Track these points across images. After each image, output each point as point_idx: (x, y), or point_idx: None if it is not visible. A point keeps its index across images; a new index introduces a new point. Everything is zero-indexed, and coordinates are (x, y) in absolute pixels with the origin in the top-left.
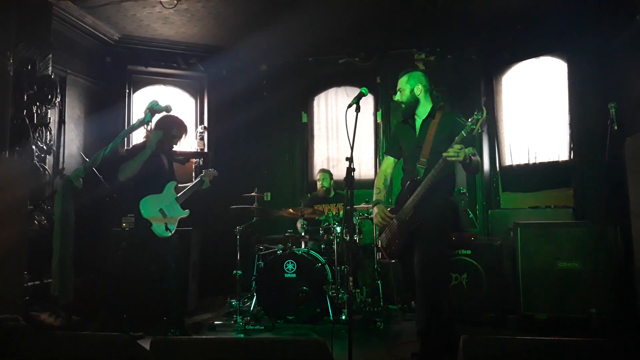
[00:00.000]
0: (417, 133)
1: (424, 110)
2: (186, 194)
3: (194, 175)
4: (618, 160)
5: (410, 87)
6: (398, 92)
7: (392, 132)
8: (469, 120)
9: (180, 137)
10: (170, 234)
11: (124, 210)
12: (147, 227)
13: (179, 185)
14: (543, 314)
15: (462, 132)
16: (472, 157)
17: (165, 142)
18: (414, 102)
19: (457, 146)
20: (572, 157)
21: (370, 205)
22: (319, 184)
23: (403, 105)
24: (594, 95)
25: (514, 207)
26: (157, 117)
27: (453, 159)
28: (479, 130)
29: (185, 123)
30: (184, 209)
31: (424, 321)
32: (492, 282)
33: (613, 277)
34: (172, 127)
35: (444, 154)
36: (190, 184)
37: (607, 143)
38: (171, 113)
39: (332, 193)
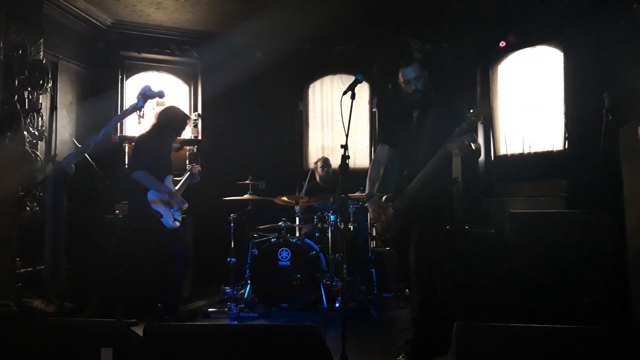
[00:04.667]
0: (415, 121)
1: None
2: (182, 186)
3: (187, 162)
4: (612, 149)
5: (426, 74)
6: (413, 80)
7: (389, 120)
8: (471, 111)
9: (183, 128)
10: (179, 225)
11: (117, 197)
12: (158, 219)
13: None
14: (536, 302)
15: (464, 123)
16: (473, 144)
17: (173, 135)
18: (430, 90)
19: (457, 140)
20: (566, 147)
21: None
22: (322, 172)
23: (420, 94)
24: (589, 85)
25: (508, 197)
26: (149, 102)
27: (455, 152)
28: (480, 121)
29: (186, 113)
30: None
31: (418, 309)
32: (486, 271)
33: (606, 266)
34: (178, 121)
35: (446, 147)
36: (182, 179)
37: (602, 133)
38: (173, 104)
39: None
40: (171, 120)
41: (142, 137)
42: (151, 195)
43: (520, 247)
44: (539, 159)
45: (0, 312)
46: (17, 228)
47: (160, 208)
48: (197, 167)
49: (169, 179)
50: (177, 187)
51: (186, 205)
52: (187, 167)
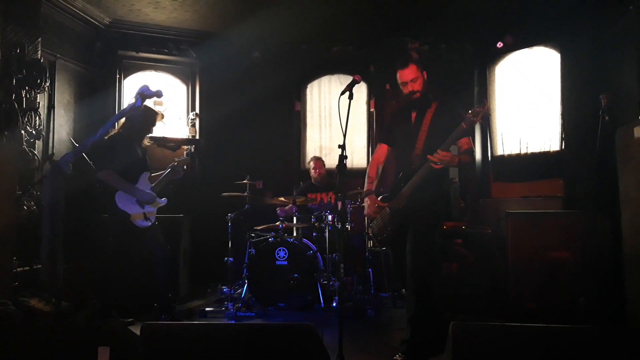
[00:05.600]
0: (412, 122)
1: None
2: (160, 183)
3: None
4: (608, 150)
5: (424, 75)
6: (410, 81)
7: (387, 120)
8: (470, 111)
9: (153, 125)
10: (150, 224)
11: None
12: (126, 219)
13: (153, 175)
14: (532, 302)
15: (463, 123)
16: (461, 156)
17: (141, 133)
18: (428, 91)
19: (442, 153)
20: (563, 147)
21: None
22: (315, 172)
23: (419, 95)
24: (586, 86)
25: (504, 197)
26: (147, 102)
27: (436, 166)
28: (479, 122)
29: (155, 109)
30: (160, 197)
31: (414, 309)
32: (483, 271)
33: (602, 267)
34: (142, 118)
35: (429, 158)
36: (163, 173)
37: (598, 133)
38: (147, 102)
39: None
40: (138, 117)
41: (111, 137)
42: (119, 195)
43: (516, 248)
44: (535, 159)
45: None
46: (15, 227)
47: (128, 208)
48: (185, 160)
49: (145, 177)
50: (154, 184)
51: (162, 202)
52: (175, 159)
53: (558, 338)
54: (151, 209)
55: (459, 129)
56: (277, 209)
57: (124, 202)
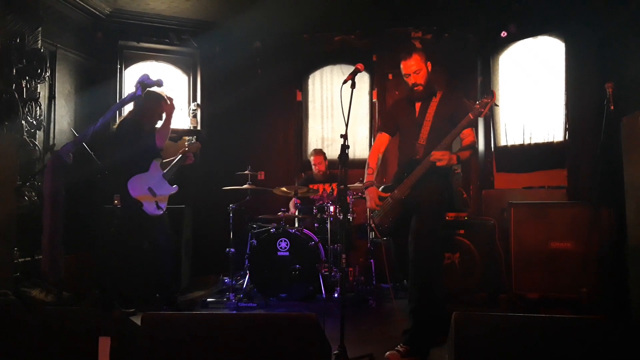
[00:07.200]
0: (416, 111)
1: None
2: (172, 169)
3: None
4: (613, 140)
5: (428, 66)
6: (413, 73)
7: (389, 109)
8: (477, 102)
9: (162, 111)
10: (161, 212)
11: (116, 187)
12: (138, 206)
13: (164, 161)
14: (534, 293)
15: (470, 114)
16: (461, 153)
17: (149, 119)
18: (432, 82)
19: (440, 152)
20: (567, 137)
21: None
22: (315, 169)
23: (421, 88)
24: (590, 75)
25: (508, 187)
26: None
27: (440, 163)
28: (487, 114)
29: (170, 96)
30: (172, 185)
31: (416, 299)
32: (485, 261)
33: (605, 257)
34: (155, 104)
35: (431, 157)
36: (174, 159)
37: (603, 123)
38: (156, 89)
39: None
40: (146, 104)
41: (120, 125)
42: (132, 182)
43: (519, 238)
44: (539, 149)
45: None
46: (16, 218)
47: (139, 195)
48: (196, 146)
49: (156, 164)
50: (166, 171)
51: (174, 190)
52: (185, 144)
53: (560, 328)
54: (162, 196)
55: (465, 120)
56: (293, 199)
57: (137, 190)
